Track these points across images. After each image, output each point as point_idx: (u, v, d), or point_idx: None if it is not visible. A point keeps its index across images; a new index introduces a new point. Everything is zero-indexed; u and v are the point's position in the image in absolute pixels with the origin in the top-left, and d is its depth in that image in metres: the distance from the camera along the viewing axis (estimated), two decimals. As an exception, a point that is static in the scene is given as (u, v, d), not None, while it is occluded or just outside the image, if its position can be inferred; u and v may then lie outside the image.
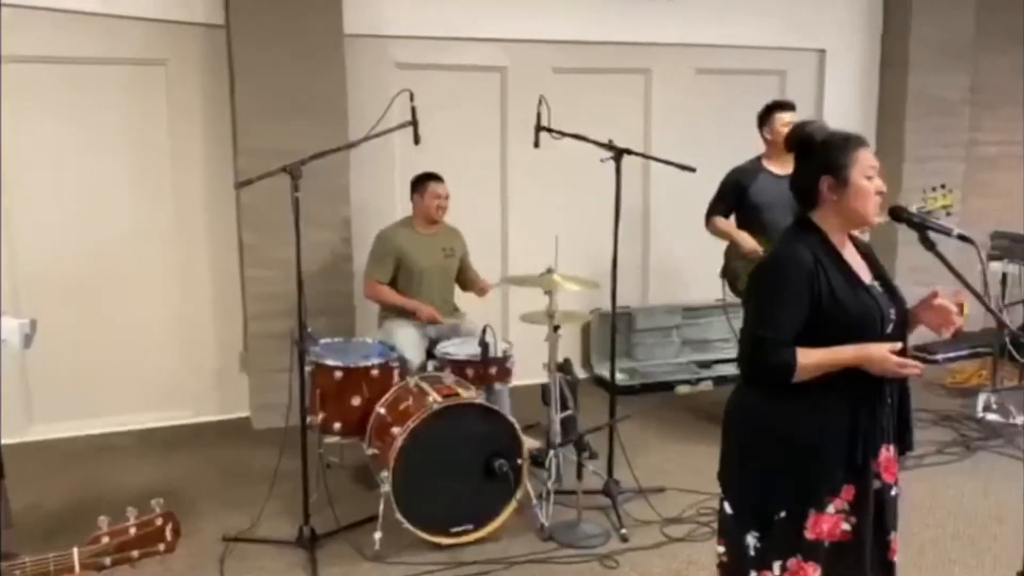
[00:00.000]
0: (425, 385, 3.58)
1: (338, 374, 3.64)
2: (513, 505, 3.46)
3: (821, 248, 2.14)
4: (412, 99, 3.53)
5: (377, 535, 3.33)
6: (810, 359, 2.06)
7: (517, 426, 3.46)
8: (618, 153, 3.51)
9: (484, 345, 3.80)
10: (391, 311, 4.33)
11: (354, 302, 4.92)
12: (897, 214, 2.11)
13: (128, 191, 4.76)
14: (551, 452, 3.74)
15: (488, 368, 3.87)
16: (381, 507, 3.34)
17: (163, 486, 4.08)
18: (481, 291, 4.42)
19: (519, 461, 3.40)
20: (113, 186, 4.73)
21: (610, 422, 3.73)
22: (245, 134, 4.62)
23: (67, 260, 4.66)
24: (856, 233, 2.28)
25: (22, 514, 3.71)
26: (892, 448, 2.20)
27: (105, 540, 1.57)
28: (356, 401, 3.66)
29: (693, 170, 3.50)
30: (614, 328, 3.73)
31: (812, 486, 2.09)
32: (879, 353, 2.05)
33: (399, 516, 3.28)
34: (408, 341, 4.15)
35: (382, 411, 3.56)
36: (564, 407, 4.32)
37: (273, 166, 4.66)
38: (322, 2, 4.68)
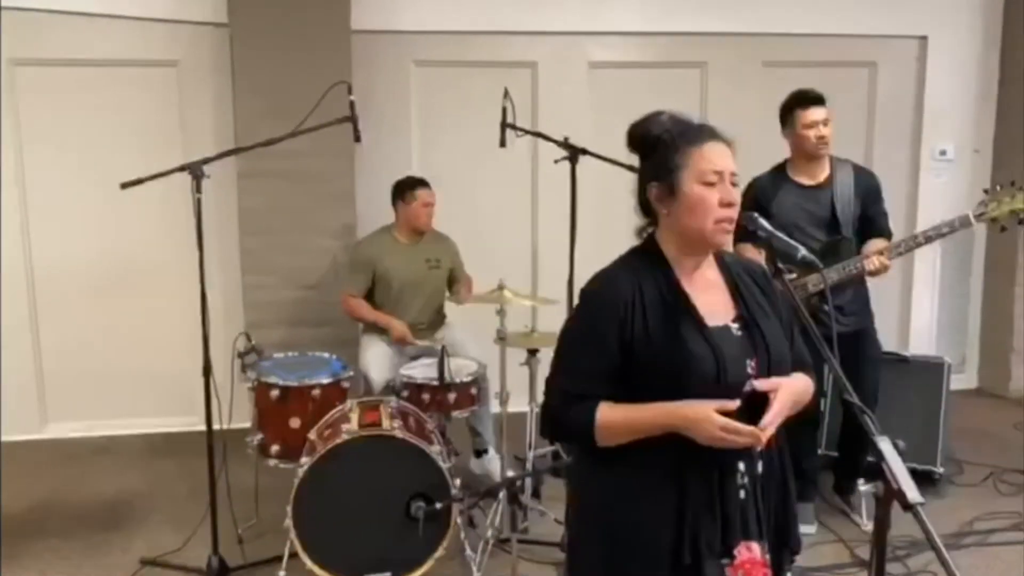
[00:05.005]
0: (357, 411, 3.23)
1: (275, 393, 3.34)
2: (439, 554, 3.03)
3: (654, 276, 1.63)
4: (350, 92, 3.19)
5: (281, 574, 3.02)
6: (613, 418, 1.58)
7: (444, 465, 3.03)
8: (573, 153, 3.02)
9: (440, 369, 3.41)
10: (369, 325, 4.02)
11: (357, 313, 4.66)
12: (744, 225, 1.55)
13: (141, 194, 4.71)
14: (501, 494, 3.28)
15: (446, 394, 3.47)
16: (287, 545, 3.02)
17: (128, 495, 4.00)
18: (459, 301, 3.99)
19: (438, 506, 2.96)
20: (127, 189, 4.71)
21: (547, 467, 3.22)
22: (245, 135, 4.44)
23: (81, 262, 4.69)
24: None
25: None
26: (758, 547, 1.62)
27: None
28: (295, 423, 3.33)
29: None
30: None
31: None
32: (697, 413, 1.51)
33: (303, 556, 2.95)
34: (376, 359, 3.83)
35: (312, 437, 3.23)
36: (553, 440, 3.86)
37: (273, 168, 4.53)
38: (327, -3, 4.46)
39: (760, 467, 1.64)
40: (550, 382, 1.68)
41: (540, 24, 4.86)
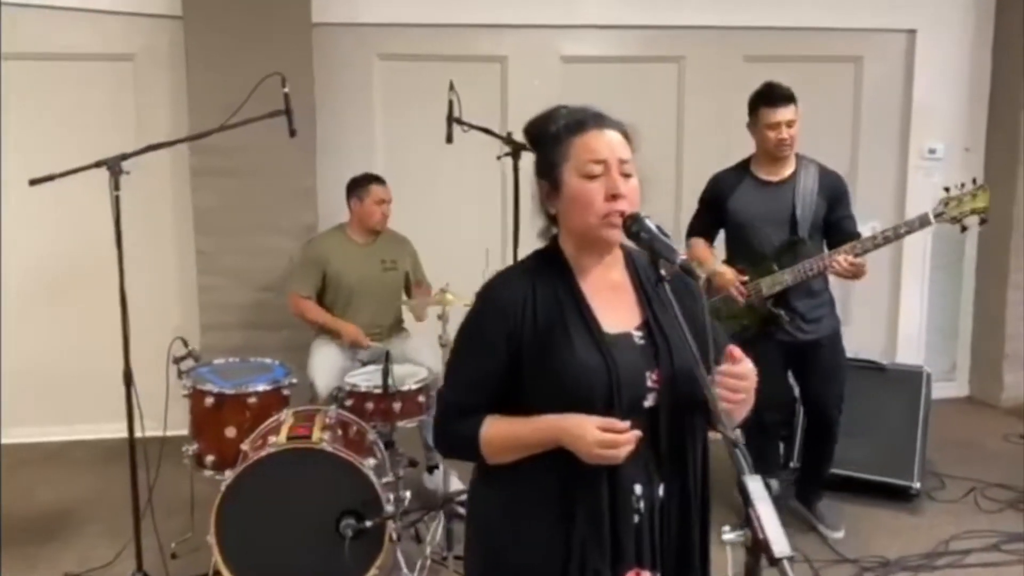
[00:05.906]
0: (290, 421, 3.07)
1: (209, 400, 3.20)
2: (371, 574, 2.87)
3: (552, 278, 1.49)
4: (284, 84, 3.03)
5: (206, 595, 2.87)
6: (497, 432, 1.46)
7: (377, 481, 2.86)
8: (515, 149, 2.85)
9: (384, 376, 3.24)
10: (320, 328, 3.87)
11: (316, 316, 4.49)
12: (627, 225, 1.39)
13: (97, 192, 4.57)
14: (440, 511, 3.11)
15: (391, 403, 3.30)
16: (212, 563, 2.86)
17: (71, 503, 3.87)
18: (418, 318, 3.82)
19: (368, 524, 2.79)
20: (82, 187, 4.56)
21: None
22: (200, 130, 4.29)
23: (33, 263, 4.55)
24: None
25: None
26: None
27: None
28: (231, 432, 3.19)
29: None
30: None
31: None
32: (578, 427, 1.36)
33: (225, 575, 2.80)
34: (323, 365, 3.67)
35: (245, 447, 3.08)
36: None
37: (229, 164, 4.38)
38: (286, -11, 4.30)
39: (662, 491, 1.47)
40: (439, 394, 1.58)
41: (509, 17, 4.68)
